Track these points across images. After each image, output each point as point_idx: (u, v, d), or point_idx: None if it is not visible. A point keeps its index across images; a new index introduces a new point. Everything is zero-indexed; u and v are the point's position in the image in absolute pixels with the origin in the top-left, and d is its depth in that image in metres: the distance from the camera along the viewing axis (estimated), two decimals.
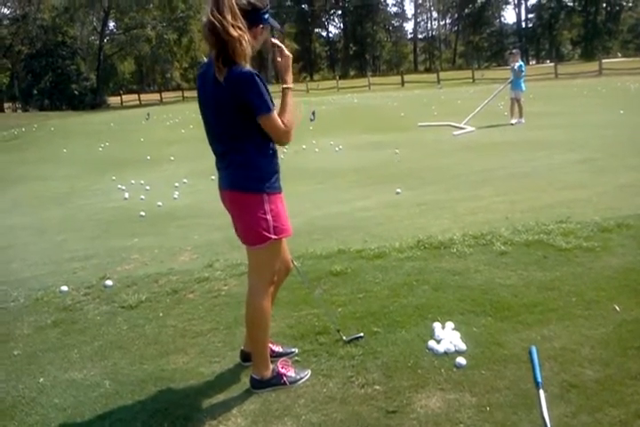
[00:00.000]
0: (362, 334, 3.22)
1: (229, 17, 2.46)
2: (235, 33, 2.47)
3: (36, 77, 46.73)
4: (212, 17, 2.46)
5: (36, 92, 47.46)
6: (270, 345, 3.05)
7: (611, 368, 2.75)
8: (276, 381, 2.85)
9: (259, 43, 2.70)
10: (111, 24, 55.74)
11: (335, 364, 3.02)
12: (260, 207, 2.65)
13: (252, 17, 2.58)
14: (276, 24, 2.81)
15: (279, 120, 2.59)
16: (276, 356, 3.06)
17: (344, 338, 3.18)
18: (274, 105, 2.59)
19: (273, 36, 2.80)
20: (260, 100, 2.54)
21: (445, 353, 3.00)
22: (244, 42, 2.49)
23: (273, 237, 2.68)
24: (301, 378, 2.89)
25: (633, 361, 2.80)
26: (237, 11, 2.49)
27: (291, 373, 2.89)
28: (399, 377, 2.84)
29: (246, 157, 2.64)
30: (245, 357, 3.08)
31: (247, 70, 2.52)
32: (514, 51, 15.52)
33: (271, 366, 2.88)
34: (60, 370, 3.24)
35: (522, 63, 14.51)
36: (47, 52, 46.20)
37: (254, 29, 2.61)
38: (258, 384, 2.85)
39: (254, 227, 2.68)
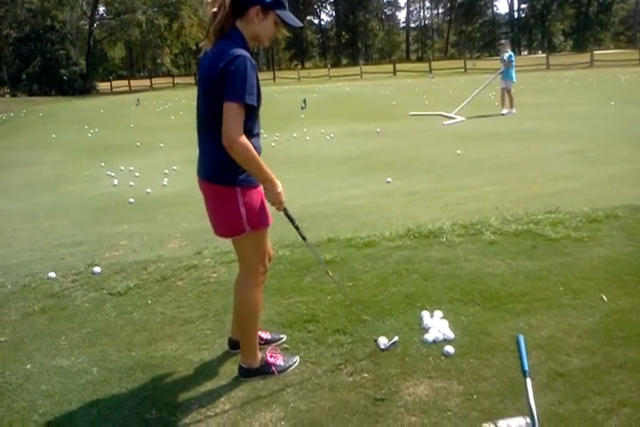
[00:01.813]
0: (397, 338, 3.01)
1: None
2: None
3: (24, 62, 46.16)
4: None
5: (24, 76, 46.88)
6: (259, 332, 3.05)
7: (597, 357, 2.78)
8: (265, 370, 2.84)
9: (262, 28, 2.56)
10: (101, 8, 55.05)
11: (324, 351, 3.02)
12: (232, 200, 2.59)
13: None
14: (286, 17, 2.58)
15: (242, 120, 2.43)
16: (264, 343, 3.06)
17: (382, 346, 2.96)
18: (255, 100, 2.45)
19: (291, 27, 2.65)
20: (239, 85, 2.40)
21: (434, 342, 3.02)
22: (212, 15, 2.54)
23: (247, 229, 2.63)
24: (290, 366, 2.89)
25: (619, 350, 2.82)
26: None
27: (279, 361, 2.88)
28: (387, 365, 2.85)
29: (221, 147, 2.49)
30: (233, 345, 3.07)
31: (241, 53, 2.43)
32: (503, 41, 15.50)
33: (260, 355, 2.87)
34: (47, 357, 3.23)
35: (511, 53, 14.49)
36: (36, 36, 45.60)
37: (249, 10, 2.51)
38: (246, 373, 2.85)
39: (227, 219, 2.65)
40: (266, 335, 3.14)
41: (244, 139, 2.43)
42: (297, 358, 2.95)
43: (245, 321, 2.83)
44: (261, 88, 2.57)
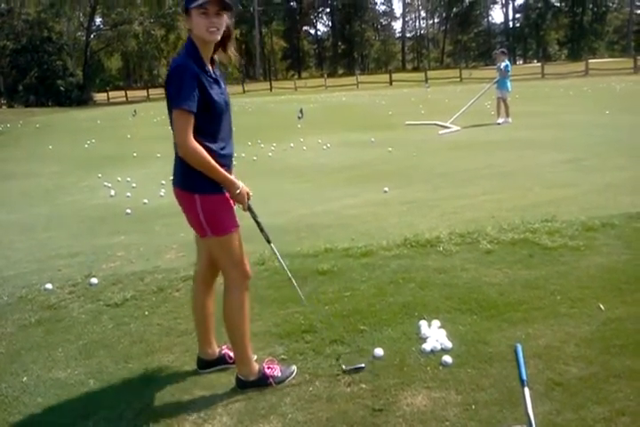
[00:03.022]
0: (363, 365, 2.93)
1: None
2: None
3: (21, 73, 46.12)
4: None
5: (21, 87, 46.87)
6: (227, 351, 3.03)
7: (595, 366, 2.78)
8: (262, 382, 2.83)
9: (195, 28, 2.52)
10: (98, 20, 55.25)
11: (321, 362, 3.02)
12: (192, 206, 2.66)
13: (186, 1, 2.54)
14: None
15: (188, 126, 2.49)
16: (233, 362, 2.98)
17: (343, 367, 2.92)
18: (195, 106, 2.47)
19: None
20: (175, 92, 2.48)
21: (432, 351, 3.01)
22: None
23: (209, 233, 2.69)
24: (287, 377, 2.88)
25: (616, 359, 2.82)
26: None
27: (277, 372, 2.87)
28: (385, 375, 2.84)
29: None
30: (202, 364, 3.03)
31: (175, 61, 2.54)
32: (499, 50, 15.57)
33: (256, 365, 2.86)
34: (43, 369, 3.21)
35: (508, 63, 14.56)
36: (33, 47, 45.63)
37: (190, 13, 2.51)
38: (243, 385, 2.84)
39: (192, 222, 2.73)
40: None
41: (192, 144, 2.50)
42: (294, 368, 2.94)
43: (233, 330, 2.82)
44: (229, 95, 2.70)
